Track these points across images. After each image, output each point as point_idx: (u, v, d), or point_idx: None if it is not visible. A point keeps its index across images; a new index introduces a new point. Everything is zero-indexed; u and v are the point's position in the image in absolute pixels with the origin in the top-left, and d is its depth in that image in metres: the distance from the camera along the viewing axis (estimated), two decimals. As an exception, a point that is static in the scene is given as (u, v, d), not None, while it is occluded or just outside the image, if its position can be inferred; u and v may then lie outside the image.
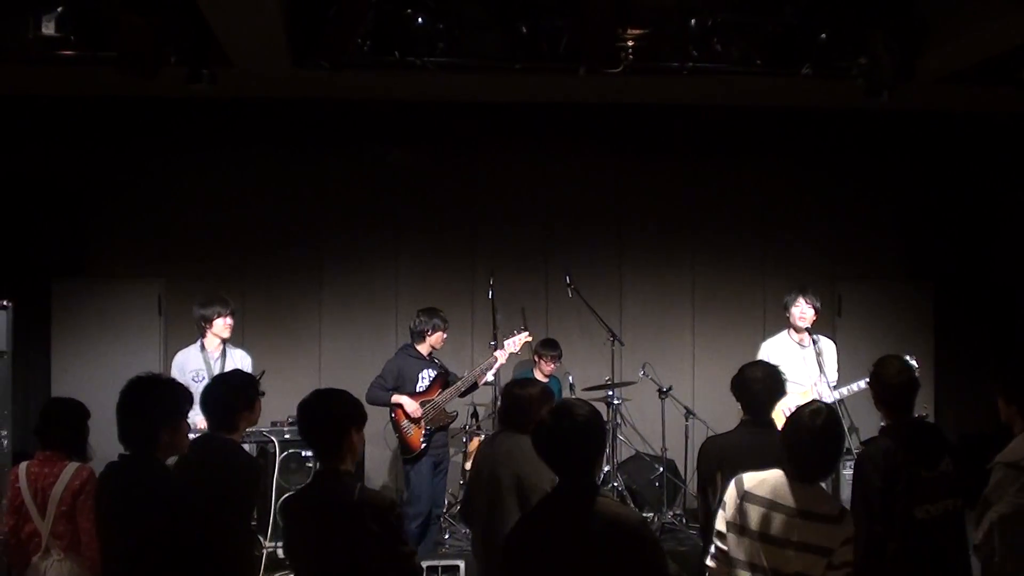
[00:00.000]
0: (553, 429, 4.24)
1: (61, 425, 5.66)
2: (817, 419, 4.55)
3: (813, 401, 4.88)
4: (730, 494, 4.55)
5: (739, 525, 4.47)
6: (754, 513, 4.44)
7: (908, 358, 7.47)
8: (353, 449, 4.65)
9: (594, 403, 4.63)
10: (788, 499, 4.42)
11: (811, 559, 4.36)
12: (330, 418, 4.63)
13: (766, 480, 4.51)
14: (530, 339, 9.26)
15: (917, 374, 5.80)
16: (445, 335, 8.92)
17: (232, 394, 5.42)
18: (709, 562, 4.62)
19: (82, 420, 5.73)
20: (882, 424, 5.54)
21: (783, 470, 4.53)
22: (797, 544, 4.37)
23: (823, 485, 4.59)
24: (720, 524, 4.56)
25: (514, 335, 9.05)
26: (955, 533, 5.17)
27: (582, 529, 4.09)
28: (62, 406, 5.85)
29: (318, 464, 4.77)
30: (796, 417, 4.65)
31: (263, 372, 8.22)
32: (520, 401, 6.03)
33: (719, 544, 4.54)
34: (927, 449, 5.29)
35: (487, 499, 5.87)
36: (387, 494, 4.64)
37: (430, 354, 8.92)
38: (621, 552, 4.06)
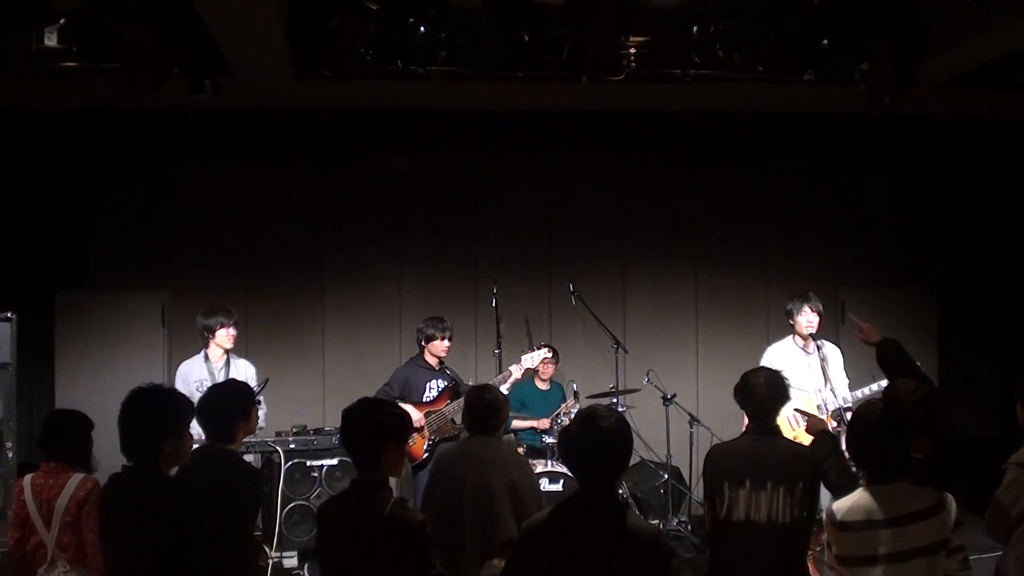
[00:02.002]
0: (579, 437, 4.22)
1: (64, 437, 5.66)
2: (874, 411, 4.61)
3: (869, 400, 4.86)
4: (829, 531, 4.49)
5: (855, 557, 4.42)
6: (861, 540, 4.40)
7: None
8: (392, 463, 4.60)
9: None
10: (883, 511, 4.40)
11: (933, 559, 4.39)
12: (368, 427, 4.58)
13: (855, 504, 4.46)
14: (549, 356, 9.26)
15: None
16: (446, 343, 8.83)
17: (226, 404, 5.40)
18: None
19: (86, 431, 5.72)
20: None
21: (861, 483, 4.54)
22: (916, 551, 4.37)
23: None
24: (834, 562, 4.48)
25: (533, 350, 9.02)
26: None
27: (606, 541, 4.08)
28: (65, 418, 5.84)
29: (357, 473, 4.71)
30: (856, 417, 4.68)
31: (267, 380, 8.23)
32: (492, 406, 6.11)
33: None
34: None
35: (474, 505, 5.86)
36: (418, 514, 4.56)
37: (441, 365, 8.90)
38: (644, 567, 4.05)
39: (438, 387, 8.78)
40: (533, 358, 8.98)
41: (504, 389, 8.80)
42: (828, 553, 4.52)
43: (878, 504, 4.41)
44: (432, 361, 8.83)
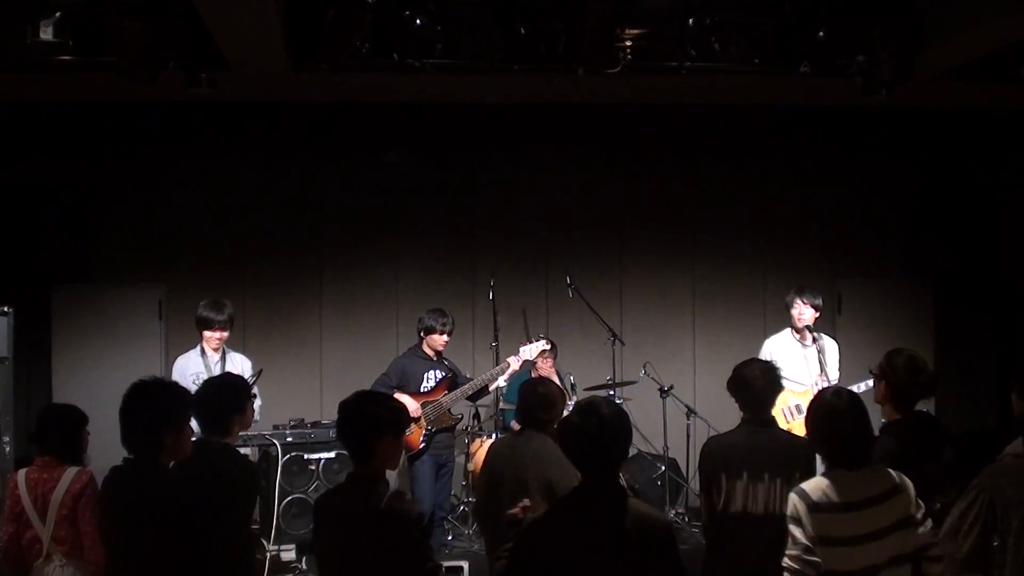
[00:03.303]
0: (580, 427, 4.24)
1: (58, 431, 5.66)
2: (840, 400, 4.62)
3: (826, 388, 4.90)
4: (800, 509, 4.49)
5: (821, 536, 4.44)
6: (831, 521, 4.43)
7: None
8: (388, 455, 4.60)
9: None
10: (852, 494, 4.44)
11: (899, 536, 4.43)
12: (364, 420, 4.58)
13: (824, 487, 4.48)
14: (547, 348, 9.25)
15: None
16: (445, 338, 8.83)
17: (222, 398, 5.42)
18: None
19: (79, 426, 5.73)
20: (883, 422, 5.52)
21: (825, 469, 4.57)
22: (881, 531, 4.41)
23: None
24: (803, 539, 4.46)
25: (531, 342, 9.03)
26: None
27: (613, 529, 4.08)
28: (59, 412, 5.86)
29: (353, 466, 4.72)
30: (819, 404, 4.70)
31: (260, 371, 8.22)
32: (545, 399, 6.07)
33: (811, 559, 4.43)
34: (930, 443, 5.31)
35: (511, 498, 5.86)
36: (415, 507, 4.56)
37: (439, 355, 8.91)
38: (651, 552, 4.07)
39: (435, 377, 8.79)
40: (531, 350, 8.99)
41: (502, 381, 8.82)
42: (795, 540, 4.52)
43: (848, 487, 4.46)
44: (430, 352, 8.84)
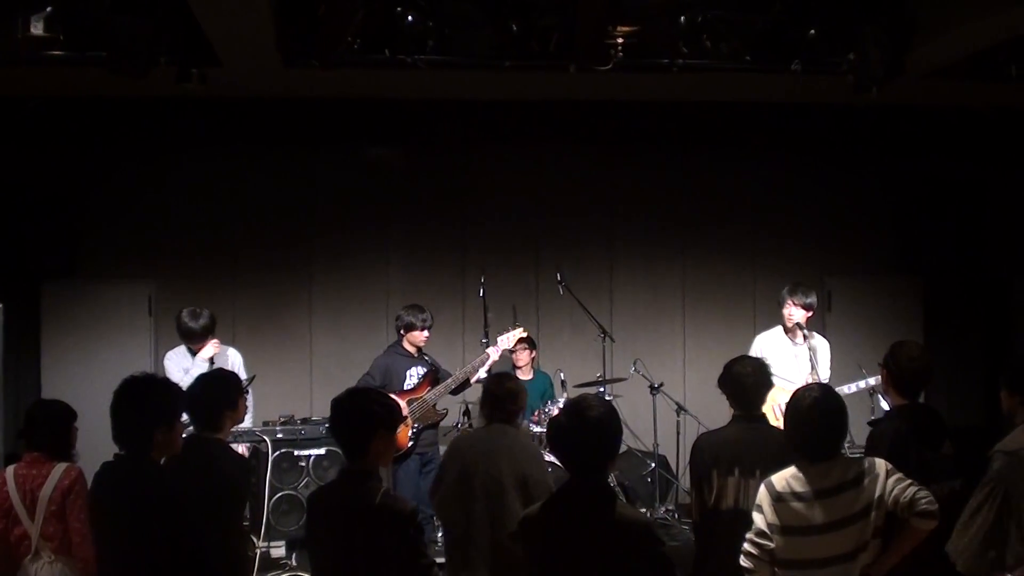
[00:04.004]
0: (568, 427, 4.22)
1: (46, 427, 5.65)
2: (811, 395, 4.74)
3: (807, 386, 4.97)
4: (763, 497, 4.60)
5: (781, 525, 4.52)
6: (793, 510, 4.50)
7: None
8: (381, 452, 4.61)
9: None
10: (815, 484, 4.53)
11: (858, 527, 4.51)
12: (357, 417, 4.58)
13: (789, 477, 4.59)
14: (524, 334, 9.24)
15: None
16: (425, 333, 8.84)
17: (214, 393, 5.44)
18: (746, 562, 4.64)
19: (67, 422, 5.71)
20: (884, 408, 5.63)
21: (795, 462, 4.64)
22: (841, 521, 4.50)
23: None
24: (761, 524, 4.59)
25: (507, 331, 9.04)
26: (958, 513, 5.22)
27: (597, 530, 4.08)
28: (47, 408, 5.84)
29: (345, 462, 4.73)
30: (792, 401, 4.79)
31: (253, 377, 8.22)
32: (513, 393, 6.12)
33: (763, 543, 4.56)
34: (932, 431, 5.38)
35: (485, 493, 5.86)
36: (409, 502, 4.56)
37: (419, 351, 8.90)
38: (636, 554, 4.07)
39: (418, 374, 8.80)
40: (509, 338, 9.00)
41: (482, 373, 8.81)
42: (753, 526, 4.63)
43: (815, 478, 4.56)
44: (411, 349, 8.84)
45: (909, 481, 4.57)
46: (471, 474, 5.97)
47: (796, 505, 4.52)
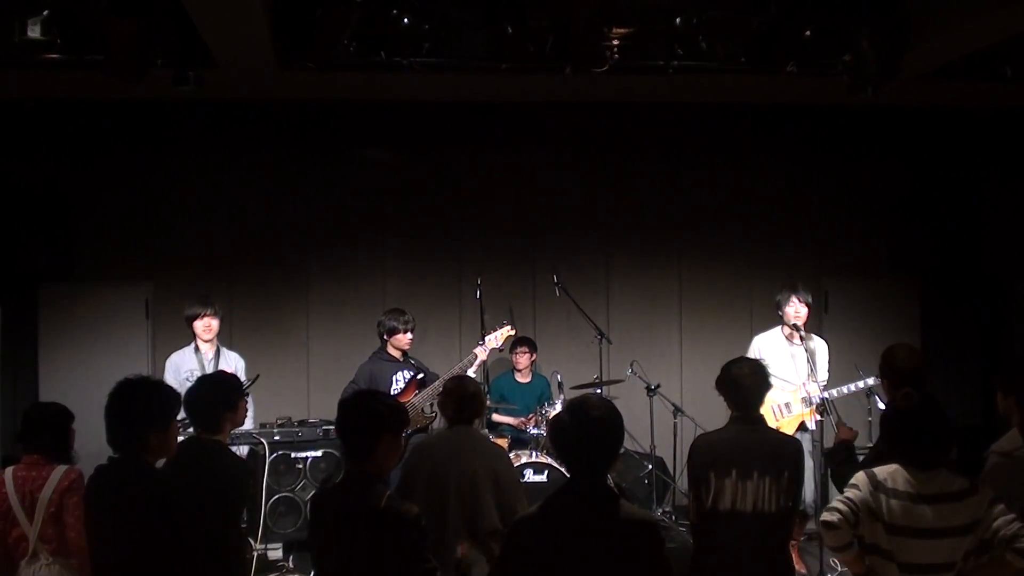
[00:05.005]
0: (571, 426, 4.21)
1: (45, 430, 5.64)
2: (911, 400, 4.71)
3: (902, 389, 4.93)
4: (862, 481, 4.56)
5: (874, 511, 4.49)
6: (892, 505, 4.47)
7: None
8: (387, 455, 4.61)
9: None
10: (919, 488, 4.49)
11: (956, 541, 4.46)
12: (364, 419, 4.58)
13: (895, 473, 4.54)
14: (513, 333, 9.21)
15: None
16: (408, 336, 8.84)
17: (212, 395, 5.44)
18: (830, 516, 4.54)
19: (65, 424, 5.70)
20: (882, 409, 5.60)
21: (900, 463, 4.59)
22: (943, 530, 4.45)
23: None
24: (852, 494, 4.55)
25: (495, 329, 9.01)
26: None
27: (602, 529, 4.08)
28: (45, 411, 5.82)
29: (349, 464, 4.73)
30: (892, 407, 4.81)
31: (257, 376, 8.23)
32: (477, 396, 6.21)
33: (850, 506, 4.51)
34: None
35: (458, 493, 5.86)
36: (414, 507, 4.56)
37: (404, 355, 8.89)
38: (639, 553, 4.07)
39: (404, 378, 8.79)
40: (497, 337, 8.97)
41: (471, 372, 8.79)
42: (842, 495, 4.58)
43: (921, 482, 4.51)
44: (395, 353, 8.84)
45: (1015, 515, 4.52)
46: (443, 475, 5.96)
47: (894, 502, 4.47)
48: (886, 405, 4.87)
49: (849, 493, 4.57)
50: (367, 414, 4.60)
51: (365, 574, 4.42)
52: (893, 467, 4.58)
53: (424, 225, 11.17)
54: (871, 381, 8.15)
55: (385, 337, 8.84)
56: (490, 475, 5.87)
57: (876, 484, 4.52)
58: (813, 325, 9.40)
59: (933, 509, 4.46)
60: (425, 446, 6.43)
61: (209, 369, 8.33)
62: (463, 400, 6.18)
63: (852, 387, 8.41)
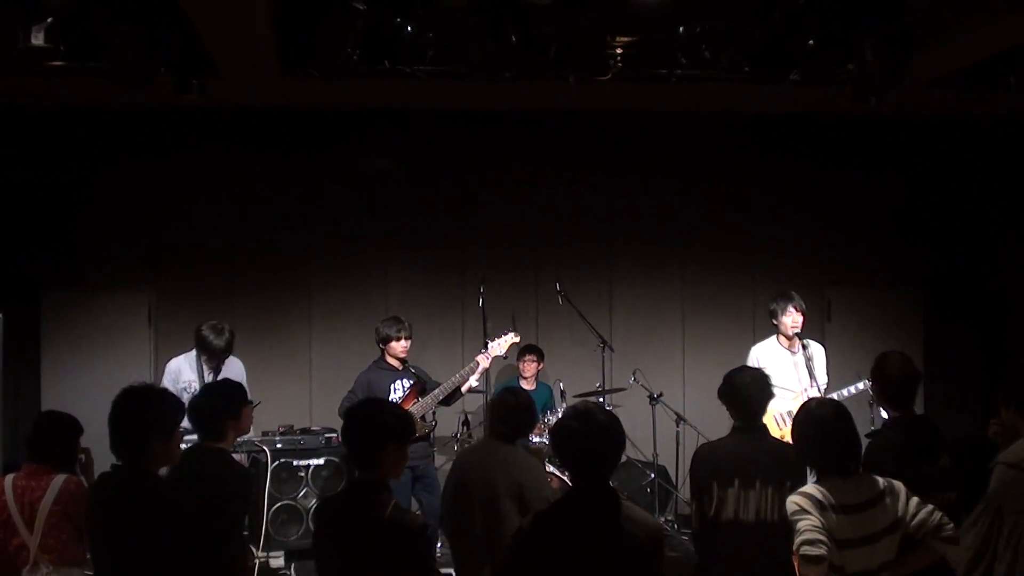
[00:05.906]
0: (575, 432, 4.24)
1: (53, 438, 5.65)
2: (827, 410, 4.71)
3: (809, 400, 4.95)
4: (805, 505, 4.51)
5: (828, 530, 4.48)
6: (839, 521, 4.47)
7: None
8: (392, 464, 4.58)
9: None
10: (846, 499, 4.49)
11: (888, 541, 4.50)
12: (370, 428, 4.57)
13: (824, 491, 4.53)
14: (517, 340, 9.18)
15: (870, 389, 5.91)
16: (404, 344, 8.79)
17: (217, 403, 5.44)
18: (817, 550, 4.39)
19: (74, 435, 5.71)
20: (884, 418, 5.61)
21: (817, 478, 4.61)
22: (878, 533, 4.48)
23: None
24: (814, 520, 4.47)
25: (499, 337, 8.97)
26: (955, 525, 5.22)
27: (608, 533, 4.09)
28: (56, 419, 5.83)
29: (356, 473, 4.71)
30: (806, 415, 4.75)
31: (258, 402, 8.19)
32: (511, 411, 6.10)
33: (821, 537, 4.42)
34: (928, 443, 5.39)
35: (480, 504, 5.86)
36: (419, 518, 4.57)
37: (403, 363, 8.86)
38: (642, 556, 4.08)
39: (403, 387, 8.73)
40: (501, 344, 8.92)
41: (473, 380, 8.77)
42: (801, 528, 4.52)
43: (841, 493, 4.51)
44: (394, 362, 8.79)
45: (932, 506, 4.55)
46: (467, 484, 5.97)
47: (839, 517, 4.46)
48: (797, 414, 4.85)
49: (810, 520, 4.46)
50: (372, 423, 4.59)
51: None
52: (814, 487, 4.57)
53: (427, 233, 11.16)
54: (867, 383, 8.16)
55: (381, 345, 8.81)
56: (513, 488, 5.84)
57: (818, 504, 4.49)
58: (815, 334, 9.40)
59: (868, 515, 4.49)
60: (459, 458, 6.50)
61: (208, 377, 8.29)
62: (495, 416, 6.17)
63: (852, 389, 8.43)
